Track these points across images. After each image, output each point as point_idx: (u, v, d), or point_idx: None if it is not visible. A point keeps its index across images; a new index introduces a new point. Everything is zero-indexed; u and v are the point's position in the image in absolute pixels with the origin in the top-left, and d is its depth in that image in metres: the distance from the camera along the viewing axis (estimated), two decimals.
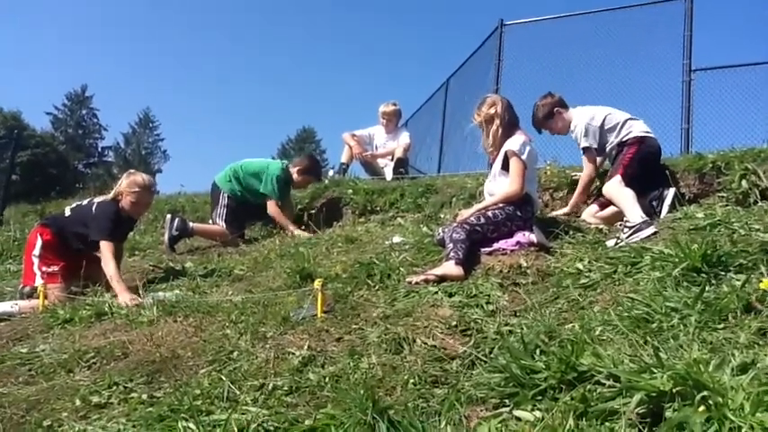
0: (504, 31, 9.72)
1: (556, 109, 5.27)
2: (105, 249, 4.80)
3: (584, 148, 5.11)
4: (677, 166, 5.24)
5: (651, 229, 4.05)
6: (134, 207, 5.13)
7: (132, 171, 5.40)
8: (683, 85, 7.83)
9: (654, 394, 1.83)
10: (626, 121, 5.01)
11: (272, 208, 6.48)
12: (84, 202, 5.31)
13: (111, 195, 5.17)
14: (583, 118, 5.11)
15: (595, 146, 5.06)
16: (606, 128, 5.04)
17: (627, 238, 4.06)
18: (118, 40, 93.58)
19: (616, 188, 4.64)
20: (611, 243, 4.07)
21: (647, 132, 4.96)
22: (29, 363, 3.36)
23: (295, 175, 6.72)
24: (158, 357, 3.12)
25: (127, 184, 5.12)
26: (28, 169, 38.28)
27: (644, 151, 4.86)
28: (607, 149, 5.09)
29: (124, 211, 5.10)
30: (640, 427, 1.80)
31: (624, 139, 4.94)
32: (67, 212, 5.26)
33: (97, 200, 5.23)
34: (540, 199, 5.33)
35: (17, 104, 67.48)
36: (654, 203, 4.72)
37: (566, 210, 5.18)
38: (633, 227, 4.15)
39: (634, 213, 4.34)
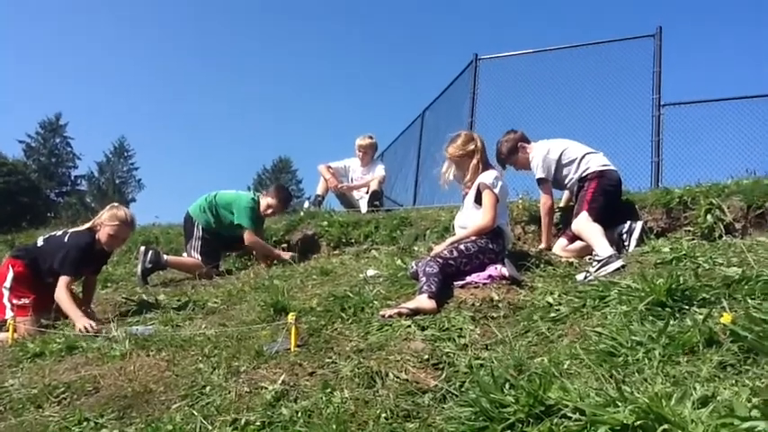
0: (479, 65, 9.92)
1: (519, 144, 5.40)
2: (61, 281, 4.81)
3: (538, 180, 5.23)
4: (646, 200, 5.37)
5: (619, 263, 4.14)
6: (110, 240, 5.11)
7: (116, 204, 5.40)
8: (653, 120, 8.04)
9: (618, 428, 1.88)
10: (584, 155, 5.13)
11: (249, 238, 6.47)
12: (59, 232, 5.28)
13: (87, 225, 5.16)
14: (540, 151, 5.24)
15: (550, 178, 5.17)
16: (563, 162, 5.16)
17: (596, 271, 4.14)
18: (94, 67, 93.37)
19: (584, 224, 4.75)
20: (580, 277, 4.15)
21: (606, 165, 5.08)
22: None
23: (267, 202, 6.72)
24: (130, 392, 3.11)
25: (108, 216, 5.11)
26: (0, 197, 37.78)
27: (604, 184, 4.97)
28: (567, 185, 5.20)
29: (99, 243, 5.08)
30: None
31: (584, 175, 5.05)
32: (40, 242, 5.22)
33: (72, 230, 5.21)
34: (512, 232, 5.41)
35: None
36: (623, 237, 4.82)
37: (543, 245, 5.26)
38: (601, 260, 4.24)
39: (602, 247, 4.44)
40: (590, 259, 4.54)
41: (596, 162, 5.07)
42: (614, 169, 5.12)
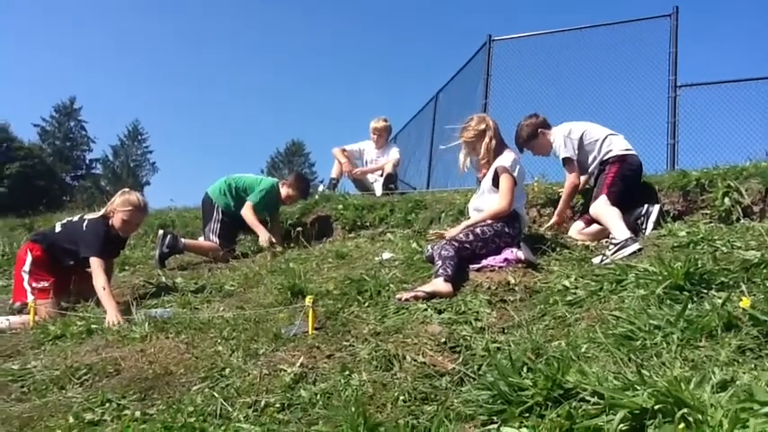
0: (493, 47, 9.84)
1: (540, 130, 5.34)
2: (95, 265, 4.82)
3: (563, 159, 5.16)
4: (662, 183, 5.33)
5: (636, 246, 4.13)
6: (124, 225, 5.14)
7: (127, 190, 5.42)
8: (669, 101, 7.95)
9: (636, 411, 1.89)
10: (606, 137, 5.09)
11: (245, 211, 6.48)
12: (75, 218, 5.33)
13: (101, 212, 5.20)
14: (561, 133, 5.19)
15: (574, 157, 5.12)
16: (585, 144, 5.11)
17: (612, 254, 4.14)
18: (107, 51, 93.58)
19: (602, 207, 4.73)
20: (597, 260, 4.15)
21: (628, 150, 5.04)
22: (21, 379, 3.37)
23: (286, 188, 6.77)
24: (151, 374, 3.15)
25: (120, 202, 5.14)
26: (16, 181, 38.11)
27: (625, 169, 4.93)
28: (589, 168, 5.17)
29: (113, 228, 5.12)
30: None
31: (605, 158, 5.02)
32: (58, 228, 5.26)
33: (88, 216, 5.25)
34: (528, 215, 5.40)
35: (5, 116, 67.03)
36: (639, 220, 4.80)
37: (553, 219, 5.25)
38: (618, 243, 4.23)
39: (620, 230, 4.42)
40: (607, 242, 4.53)
41: (618, 146, 5.03)
42: (635, 153, 5.08)
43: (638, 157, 5.11)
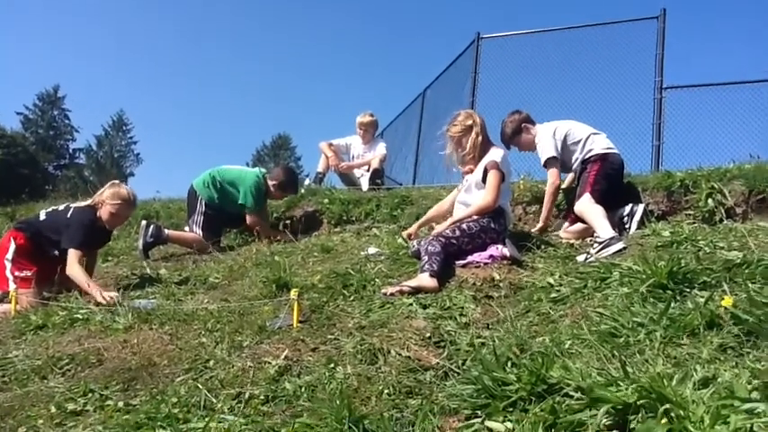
0: (481, 44, 9.87)
1: (523, 125, 5.38)
2: (71, 257, 4.79)
3: (547, 160, 5.17)
4: (647, 183, 5.38)
5: (620, 245, 4.17)
6: (112, 218, 5.09)
7: (116, 182, 5.37)
8: (655, 102, 8.03)
9: (620, 406, 1.90)
10: (588, 136, 5.12)
11: (251, 219, 6.52)
12: (61, 207, 5.27)
13: (89, 202, 5.15)
14: (546, 132, 5.21)
15: (557, 156, 5.14)
16: (569, 143, 5.14)
17: (596, 252, 4.17)
18: (92, 40, 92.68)
19: (586, 206, 4.76)
20: (581, 258, 4.18)
21: (610, 148, 5.07)
22: (2, 369, 3.33)
23: (272, 188, 6.70)
24: (134, 365, 3.13)
25: (110, 194, 5.09)
26: None
27: (607, 168, 4.97)
28: (573, 166, 5.19)
29: (100, 220, 5.08)
30: None
31: (587, 157, 5.05)
32: (42, 216, 5.21)
33: (74, 205, 5.20)
34: (513, 213, 5.43)
35: None
36: (624, 220, 4.84)
37: (539, 225, 5.25)
38: (603, 242, 4.26)
39: (604, 229, 4.45)
40: (591, 241, 4.57)
41: (600, 144, 5.07)
42: (617, 152, 5.12)
43: (620, 156, 5.15)
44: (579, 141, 5.11)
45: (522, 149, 5.52)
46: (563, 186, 5.51)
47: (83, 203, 5.18)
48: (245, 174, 6.61)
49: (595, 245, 4.34)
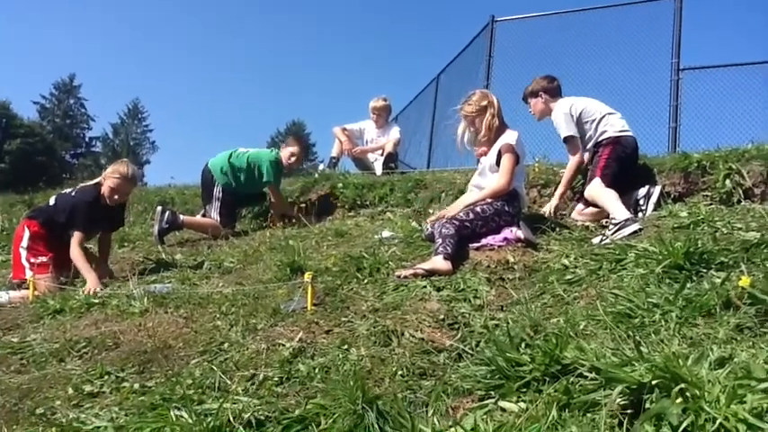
0: (495, 28, 9.77)
1: (541, 93, 5.35)
2: (73, 239, 4.89)
3: (565, 138, 5.11)
4: (663, 164, 5.32)
5: (635, 226, 4.12)
6: (110, 193, 5.11)
7: (123, 160, 5.46)
8: (671, 84, 7.92)
9: (634, 386, 1.89)
10: (603, 116, 5.05)
11: (276, 198, 6.69)
12: (68, 189, 5.34)
13: (95, 180, 5.21)
14: (561, 108, 5.16)
15: (577, 134, 5.07)
16: (584, 120, 5.07)
17: (612, 234, 4.13)
18: (108, 28, 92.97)
19: (597, 190, 4.71)
20: (596, 240, 4.14)
21: (623, 131, 5.00)
22: (20, 352, 3.38)
23: (287, 155, 6.74)
24: (150, 347, 3.16)
25: (111, 170, 5.17)
26: (17, 158, 38.03)
27: (619, 151, 4.91)
28: (587, 146, 5.12)
29: (103, 197, 5.12)
30: (621, 418, 1.86)
31: (600, 140, 4.99)
32: (52, 201, 5.28)
33: (81, 185, 5.25)
34: (528, 195, 5.39)
35: (5, 94, 66.70)
36: (641, 201, 4.79)
37: (554, 201, 5.16)
38: (618, 224, 4.22)
39: (618, 211, 4.41)
40: (606, 222, 4.52)
41: (613, 126, 5.00)
42: (630, 135, 5.05)
43: (634, 138, 5.08)
44: (594, 120, 5.04)
45: (532, 112, 5.49)
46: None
47: (90, 183, 5.24)
48: (261, 154, 6.65)
49: (610, 226, 4.29)
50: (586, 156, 5.25)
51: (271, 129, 73.50)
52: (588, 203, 4.94)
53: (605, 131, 5.00)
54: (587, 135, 5.08)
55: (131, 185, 5.45)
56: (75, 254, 4.86)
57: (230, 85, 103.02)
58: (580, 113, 5.08)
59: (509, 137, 4.53)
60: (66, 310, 4.07)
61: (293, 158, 6.77)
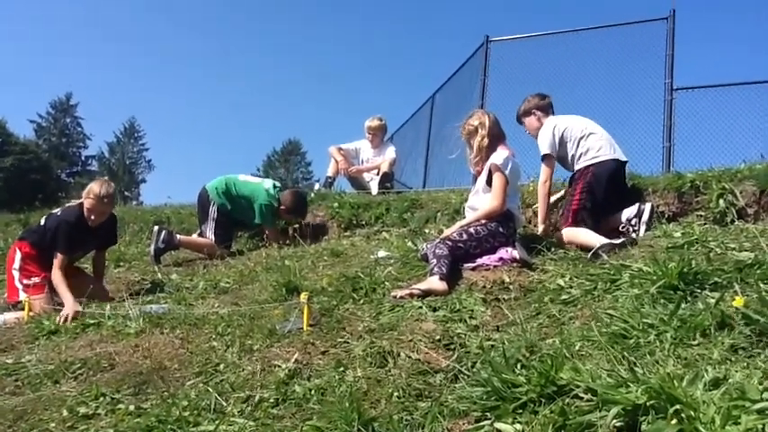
0: (490, 48, 9.85)
1: (534, 110, 5.38)
2: (55, 262, 4.88)
3: (542, 156, 5.11)
4: (657, 184, 5.35)
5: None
6: (87, 213, 5.07)
7: (100, 179, 5.37)
8: (665, 104, 7.98)
9: (630, 408, 1.90)
10: (580, 140, 5.04)
11: (271, 235, 6.63)
12: (57, 210, 5.32)
13: (79, 200, 5.19)
14: (547, 126, 5.17)
15: (554, 154, 5.07)
16: (565, 141, 5.08)
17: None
18: (105, 48, 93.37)
19: (569, 234, 4.78)
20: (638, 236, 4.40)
21: (596, 157, 4.95)
22: (15, 373, 3.37)
23: (281, 210, 6.67)
24: (145, 369, 3.16)
25: (87, 190, 5.12)
26: (11, 176, 37.97)
27: (591, 182, 4.89)
28: (572, 164, 5.13)
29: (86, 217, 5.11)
30: None
31: (576, 167, 5.02)
32: (42, 221, 5.26)
33: (67, 205, 5.24)
34: (524, 215, 5.41)
35: (1, 113, 66.83)
36: (632, 221, 4.78)
37: (541, 227, 5.11)
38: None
39: (591, 242, 4.44)
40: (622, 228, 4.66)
41: (588, 153, 4.98)
42: (608, 158, 4.97)
43: (614, 161, 4.99)
44: (573, 141, 5.04)
45: (528, 132, 5.52)
46: (558, 196, 5.45)
47: (75, 203, 5.21)
48: (260, 190, 6.57)
49: (634, 224, 4.43)
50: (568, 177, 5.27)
51: (267, 147, 73.63)
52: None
53: (581, 158, 5.01)
54: (569, 155, 5.09)
55: (106, 206, 5.19)
56: (56, 277, 4.81)
57: (227, 104, 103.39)
58: (562, 133, 5.09)
59: (497, 156, 4.55)
60: (62, 331, 4.07)
61: (284, 216, 6.81)
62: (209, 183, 6.68)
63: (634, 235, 4.63)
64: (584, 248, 4.64)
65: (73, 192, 40.20)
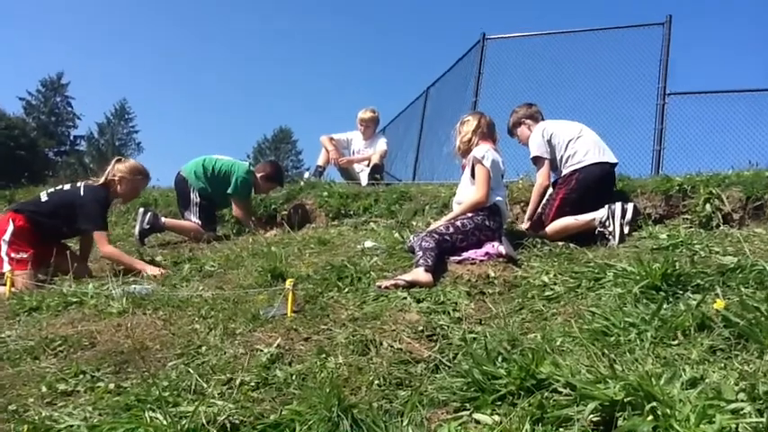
0: (486, 45, 9.86)
1: (523, 120, 5.41)
2: (100, 239, 4.98)
3: (533, 159, 5.17)
4: (646, 186, 5.38)
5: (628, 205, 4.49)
6: (130, 194, 5.23)
7: (124, 158, 5.48)
8: (657, 108, 8.04)
9: (607, 403, 1.91)
10: (568, 144, 5.07)
11: (237, 211, 6.59)
12: (66, 186, 5.28)
13: (101, 180, 5.19)
14: (537, 131, 5.22)
15: (546, 156, 5.11)
16: (553, 144, 5.13)
17: (616, 227, 4.28)
18: (98, 29, 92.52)
19: (554, 226, 4.86)
20: (614, 242, 4.45)
21: (582, 161, 4.98)
22: None
23: (259, 180, 6.74)
24: (126, 348, 3.14)
25: (127, 169, 5.17)
26: None
27: (574, 187, 4.95)
28: (559, 167, 5.17)
29: (113, 197, 5.15)
30: None
31: (564, 172, 5.05)
32: (44, 198, 5.20)
33: (83, 184, 5.21)
34: (511, 211, 5.43)
35: None
36: (606, 223, 4.71)
37: (525, 225, 5.19)
38: (603, 219, 4.33)
39: (590, 217, 4.51)
40: (598, 232, 4.61)
41: (577, 157, 5.01)
42: (593, 163, 4.98)
43: (599, 165, 5.00)
44: (560, 145, 5.08)
45: (521, 143, 5.54)
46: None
47: (93, 183, 5.22)
48: (237, 165, 6.61)
49: (608, 223, 4.43)
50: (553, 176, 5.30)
51: (258, 134, 73.44)
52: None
53: (568, 161, 5.04)
54: (557, 158, 5.12)
55: (148, 182, 5.65)
56: (112, 250, 5.05)
57: (218, 90, 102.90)
58: (550, 137, 5.13)
59: (478, 150, 4.58)
60: (43, 308, 4.03)
61: (263, 189, 6.91)
62: (184, 167, 6.66)
63: (610, 237, 4.62)
64: (576, 234, 4.68)
65: (60, 171, 39.98)
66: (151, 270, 4.79)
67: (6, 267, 4.78)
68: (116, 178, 5.19)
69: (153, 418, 2.26)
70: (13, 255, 4.88)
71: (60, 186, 5.35)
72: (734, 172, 5.21)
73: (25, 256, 4.89)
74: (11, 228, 4.96)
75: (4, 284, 4.62)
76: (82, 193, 5.08)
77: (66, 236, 5.23)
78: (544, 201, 5.17)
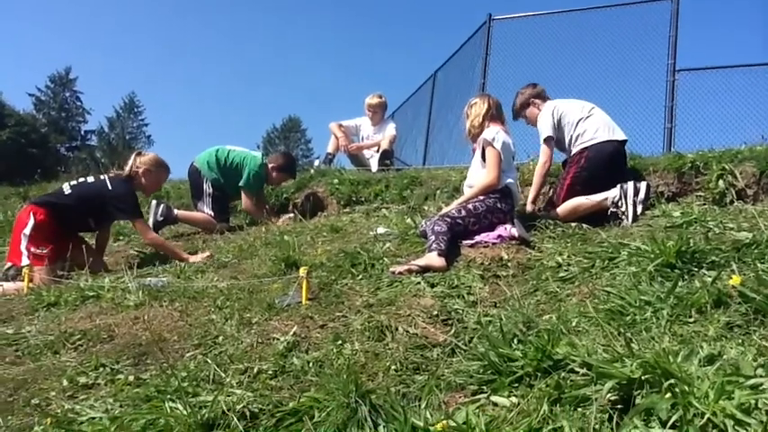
0: (493, 26, 9.80)
1: (532, 99, 5.36)
2: (143, 228, 5.20)
3: (545, 139, 5.10)
4: (658, 164, 5.34)
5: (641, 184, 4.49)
6: (153, 186, 5.37)
7: (143, 151, 5.59)
8: (667, 85, 7.96)
9: (624, 382, 1.91)
10: (578, 122, 5.02)
11: (246, 203, 6.60)
12: (90, 178, 5.32)
13: (125, 173, 5.26)
14: (546, 110, 5.17)
15: (552, 136, 5.07)
16: (563, 124, 5.09)
17: (636, 201, 4.42)
18: (105, 22, 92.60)
19: (566, 206, 4.83)
20: (627, 222, 4.43)
21: (593, 139, 4.92)
22: (15, 343, 3.38)
23: (271, 171, 6.74)
24: (144, 340, 3.17)
25: (151, 162, 5.28)
26: (7, 149, 37.76)
27: (584, 165, 4.91)
28: (569, 147, 5.13)
29: (137, 188, 5.27)
30: (611, 413, 1.88)
31: (573, 151, 5.01)
32: (67, 190, 5.19)
33: (108, 176, 5.25)
34: (523, 194, 5.41)
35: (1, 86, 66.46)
36: (619, 203, 4.66)
37: (529, 208, 5.14)
38: (624, 193, 4.34)
39: (602, 196, 4.50)
40: (610, 212, 4.59)
41: (584, 136, 4.96)
42: (604, 141, 4.93)
43: (610, 143, 4.94)
44: (570, 124, 5.04)
45: (529, 123, 5.49)
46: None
47: (118, 175, 5.29)
48: (250, 157, 6.62)
49: (620, 203, 4.42)
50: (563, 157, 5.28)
51: (267, 124, 73.51)
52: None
53: (577, 140, 5.00)
54: (567, 137, 5.08)
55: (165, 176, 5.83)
56: (156, 238, 5.29)
57: (227, 80, 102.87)
58: (560, 117, 5.08)
59: (488, 132, 4.56)
60: (61, 303, 4.07)
61: (276, 181, 6.93)
62: (197, 157, 6.67)
63: (623, 217, 4.58)
64: (588, 214, 4.66)
65: (72, 166, 40.19)
66: (194, 258, 4.93)
67: (25, 261, 4.82)
68: (140, 171, 5.25)
69: (173, 409, 2.29)
70: (32, 249, 4.89)
71: (84, 179, 5.35)
72: (746, 147, 5.15)
73: (45, 251, 4.91)
74: (32, 221, 4.95)
75: (22, 280, 4.67)
76: (110, 186, 5.11)
77: (90, 228, 5.30)
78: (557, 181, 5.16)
